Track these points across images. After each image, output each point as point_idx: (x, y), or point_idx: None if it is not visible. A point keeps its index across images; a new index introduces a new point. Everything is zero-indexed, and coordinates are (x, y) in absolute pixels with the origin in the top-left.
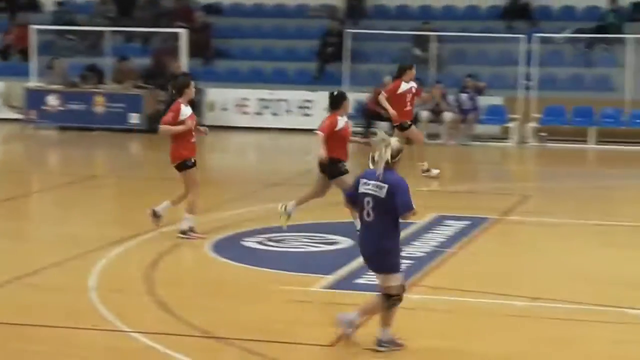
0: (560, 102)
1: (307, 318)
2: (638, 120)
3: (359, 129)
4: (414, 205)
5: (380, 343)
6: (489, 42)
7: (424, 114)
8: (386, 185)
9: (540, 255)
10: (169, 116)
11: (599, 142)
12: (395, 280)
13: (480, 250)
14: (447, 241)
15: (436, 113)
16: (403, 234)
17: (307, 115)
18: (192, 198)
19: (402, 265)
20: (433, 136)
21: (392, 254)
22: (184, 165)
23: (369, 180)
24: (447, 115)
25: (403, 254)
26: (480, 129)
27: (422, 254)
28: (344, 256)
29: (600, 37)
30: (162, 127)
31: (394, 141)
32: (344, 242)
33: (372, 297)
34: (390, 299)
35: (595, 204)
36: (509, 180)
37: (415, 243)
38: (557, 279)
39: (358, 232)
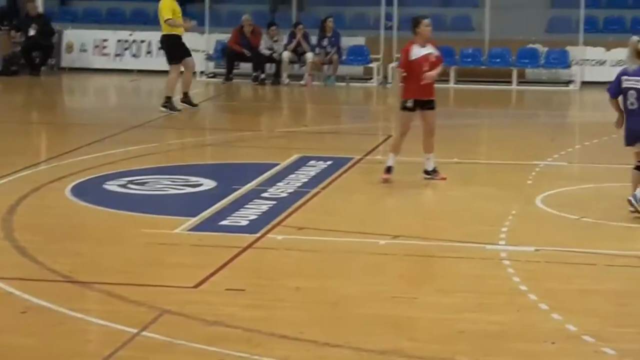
0: None
1: (170, 260)
2: (497, 60)
3: (221, 70)
4: None
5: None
6: None
7: (286, 55)
8: None
9: (402, 194)
10: None
11: (458, 81)
12: None
13: (343, 190)
14: (311, 182)
15: (298, 54)
16: (267, 174)
17: None
18: None
19: (267, 205)
20: (295, 77)
21: None
22: None
23: (630, 76)
24: (309, 56)
25: (267, 194)
26: (342, 69)
27: (285, 195)
28: (207, 198)
29: None
30: None
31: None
32: (208, 184)
33: None
34: None
35: (455, 143)
36: (372, 120)
37: (279, 184)
38: (418, 216)
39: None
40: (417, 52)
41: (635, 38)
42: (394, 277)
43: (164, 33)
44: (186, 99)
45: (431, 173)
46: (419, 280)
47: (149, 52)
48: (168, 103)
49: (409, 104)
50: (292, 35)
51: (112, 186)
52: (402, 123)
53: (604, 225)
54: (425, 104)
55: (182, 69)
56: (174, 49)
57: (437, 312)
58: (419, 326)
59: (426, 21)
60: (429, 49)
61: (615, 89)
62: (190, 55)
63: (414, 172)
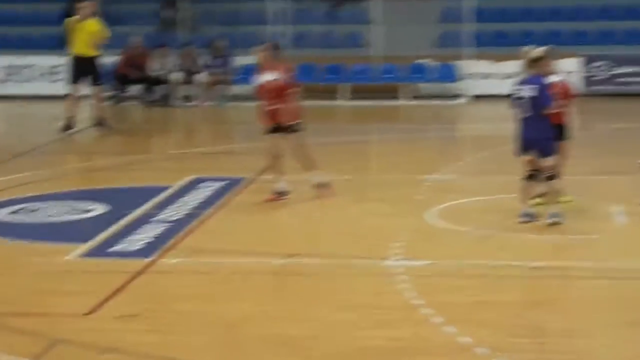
0: (312, 60)
1: (62, 288)
2: (387, 76)
3: (111, 93)
4: None
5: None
6: (240, 2)
7: (176, 76)
8: None
9: (297, 211)
10: None
11: (350, 97)
12: None
13: (238, 211)
14: (205, 203)
15: (189, 74)
16: (159, 197)
17: (55, 81)
18: None
19: (160, 229)
20: (187, 98)
21: None
22: None
23: (522, 85)
24: (201, 77)
25: (160, 217)
26: (235, 89)
27: (179, 217)
28: (99, 223)
29: None
30: None
31: None
32: (100, 209)
33: None
34: None
35: (347, 160)
36: (264, 140)
37: (172, 206)
38: (313, 234)
39: None
40: (260, 78)
41: (526, 48)
42: (290, 297)
43: (92, 55)
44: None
45: (317, 187)
46: (316, 299)
47: (35, 77)
48: (101, 124)
49: (267, 128)
50: (183, 57)
51: (0, 215)
52: (268, 147)
53: (496, 236)
54: (286, 128)
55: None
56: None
57: (335, 330)
58: (317, 345)
59: (259, 47)
60: (273, 75)
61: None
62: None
63: (308, 191)
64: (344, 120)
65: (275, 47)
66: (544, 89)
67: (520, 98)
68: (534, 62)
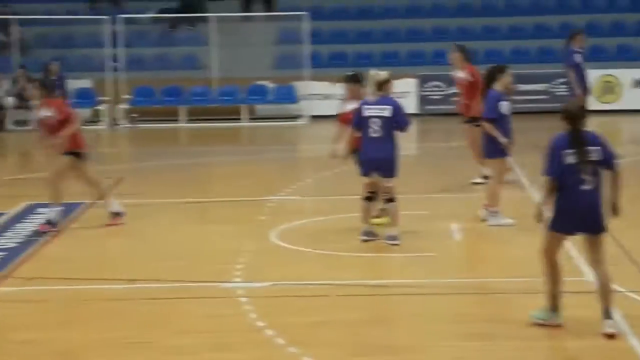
0: (149, 83)
1: None
2: (226, 97)
3: None
4: None
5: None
6: (75, 25)
7: (10, 100)
8: None
9: (137, 236)
10: None
11: (189, 120)
12: None
13: (76, 237)
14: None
15: (23, 99)
16: None
17: None
18: None
19: None
20: (21, 122)
21: None
22: None
23: (372, 105)
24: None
25: None
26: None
27: (14, 245)
28: None
29: (184, 16)
30: None
31: None
32: None
33: None
34: None
35: (187, 182)
36: (102, 163)
37: (7, 234)
38: (154, 258)
39: None
40: (39, 113)
41: (373, 71)
42: (130, 323)
43: None
44: None
45: (112, 216)
46: (155, 324)
47: None
48: None
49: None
50: (16, 80)
51: None
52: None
53: (336, 256)
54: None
55: None
56: None
57: (175, 354)
58: None
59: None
60: (49, 111)
61: (357, 120)
62: None
63: (147, 215)
64: (184, 143)
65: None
66: (398, 109)
67: (369, 118)
68: (382, 84)
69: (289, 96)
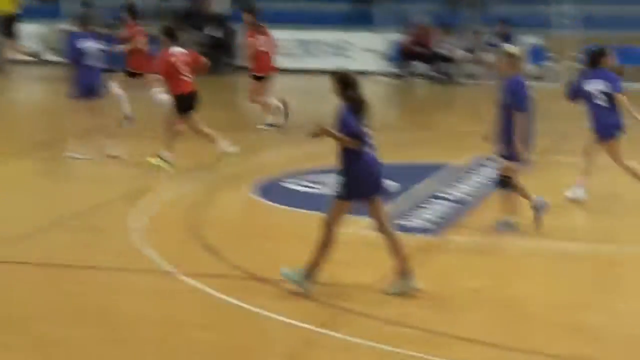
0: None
1: (348, 259)
2: None
3: (397, 70)
4: None
5: None
6: None
7: (462, 54)
8: None
9: None
10: None
11: None
12: None
13: None
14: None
15: (474, 52)
16: (446, 175)
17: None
18: None
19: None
20: (471, 76)
21: None
22: None
23: None
24: (485, 55)
25: (447, 195)
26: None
27: (465, 195)
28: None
29: None
30: None
31: None
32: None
33: None
34: None
35: None
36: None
37: (461, 184)
38: None
39: None
40: None
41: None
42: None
43: None
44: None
45: None
46: None
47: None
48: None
49: None
50: (468, 35)
51: (292, 185)
52: None
53: None
54: None
55: None
56: None
57: None
58: None
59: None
60: None
61: None
62: None
63: None
64: None
65: None
66: None
67: None
68: None
69: None
